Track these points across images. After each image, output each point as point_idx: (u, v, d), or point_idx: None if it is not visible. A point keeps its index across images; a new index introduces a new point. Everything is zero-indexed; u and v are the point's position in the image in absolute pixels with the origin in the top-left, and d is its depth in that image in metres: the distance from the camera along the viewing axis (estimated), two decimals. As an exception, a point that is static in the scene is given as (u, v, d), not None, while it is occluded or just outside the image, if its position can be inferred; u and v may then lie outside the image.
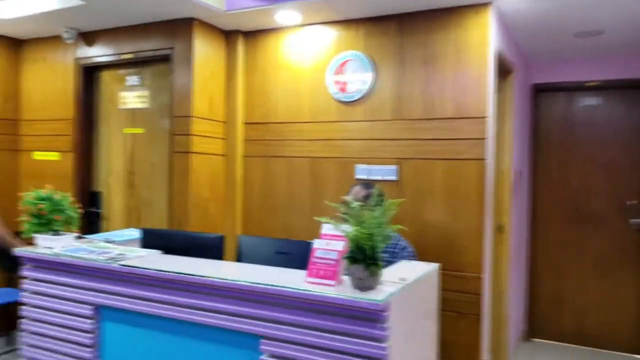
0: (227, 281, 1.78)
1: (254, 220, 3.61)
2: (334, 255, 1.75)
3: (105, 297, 2.05)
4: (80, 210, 2.32)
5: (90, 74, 3.77)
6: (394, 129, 3.20)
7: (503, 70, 3.55)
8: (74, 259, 2.07)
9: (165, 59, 3.43)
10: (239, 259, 2.18)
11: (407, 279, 1.85)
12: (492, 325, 3.36)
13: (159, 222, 3.56)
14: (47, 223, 2.20)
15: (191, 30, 3.30)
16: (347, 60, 3.31)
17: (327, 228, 1.82)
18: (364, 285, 1.65)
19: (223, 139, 3.60)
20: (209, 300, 1.84)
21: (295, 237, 3.45)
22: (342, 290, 1.67)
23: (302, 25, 3.43)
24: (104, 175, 3.80)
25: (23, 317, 2.22)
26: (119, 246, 2.31)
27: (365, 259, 1.64)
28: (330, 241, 1.78)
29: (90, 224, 3.77)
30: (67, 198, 2.25)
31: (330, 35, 3.38)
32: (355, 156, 3.31)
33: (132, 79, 3.64)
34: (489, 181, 3.04)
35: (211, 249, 2.25)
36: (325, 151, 3.40)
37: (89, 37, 3.68)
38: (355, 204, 1.70)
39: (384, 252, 2.74)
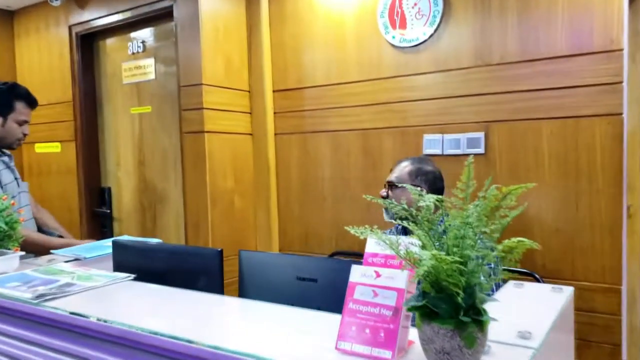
0: (185, 344, 0.98)
1: (293, 216, 2.81)
2: (390, 300, 0.89)
3: (42, 354, 1.33)
4: (21, 220, 1.62)
5: (88, 44, 3.11)
6: (477, 80, 2.25)
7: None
8: (-8, 296, 1.37)
9: (167, 15, 2.68)
10: (241, 287, 1.38)
11: (532, 334, 0.95)
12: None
13: (175, 222, 2.86)
14: (-26, 239, 1.52)
15: (195, -28, 2.52)
16: (404, -10, 2.39)
17: (373, 242, 0.97)
18: (453, 366, 0.78)
19: (247, 112, 2.81)
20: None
21: (349, 236, 2.61)
22: (407, 375, 0.81)
23: (340, -52, 2.54)
24: (112, 168, 3.15)
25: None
26: (78, 268, 1.59)
27: (454, 312, 0.77)
28: (381, 270, 0.92)
29: (102, 227, 3.16)
30: (-1, 202, 1.55)
31: (380, -43, 2.46)
32: (423, 123, 2.40)
33: (134, 45, 2.93)
34: (625, 147, 2.02)
35: (205, 269, 1.47)
36: (380, 120, 2.51)
37: (80, -1, 3.02)
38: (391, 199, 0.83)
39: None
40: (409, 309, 0.81)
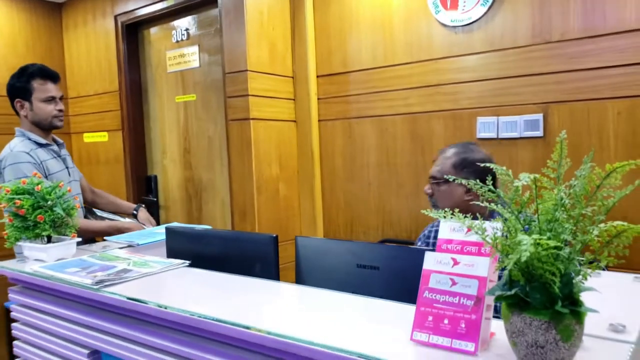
0: (252, 332, 0.95)
1: (338, 204, 2.77)
2: (471, 289, 0.83)
3: (101, 339, 1.34)
4: (77, 206, 1.63)
5: (133, 33, 3.14)
6: (535, 59, 2.12)
7: None
8: (54, 282, 1.39)
9: (211, 1, 2.66)
10: (298, 273, 1.34)
11: (626, 327, 0.87)
12: None
13: (221, 210, 2.87)
14: (33, 226, 1.54)
15: (239, -44, 2.48)
16: (456, -35, 2.28)
17: (447, 228, 0.90)
18: (547, 362, 0.72)
19: (291, 99, 2.77)
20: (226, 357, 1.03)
21: (396, 224, 2.56)
22: (494, 370, 0.75)
23: None
24: (158, 157, 3.19)
25: (16, 358, 1.62)
26: (133, 255, 1.60)
27: (548, 302, 0.70)
28: (459, 257, 0.86)
29: (150, 215, 3.20)
30: (56, 189, 1.57)
31: None
32: (476, 105, 2.29)
33: (178, 33, 2.93)
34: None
35: (260, 256, 1.44)
36: (430, 103, 2.42)
37: (126, -13, 3.03)
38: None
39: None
40: (497, 299, 0.75)
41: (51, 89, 2.15)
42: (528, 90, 2.16)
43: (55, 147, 2.19)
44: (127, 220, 2.31)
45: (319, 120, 2.78)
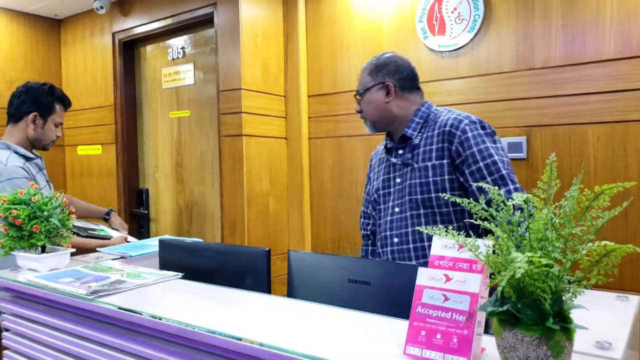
0: (245, 345, 0.97)
1: (327, 220, 2.81)
2: (463, 304, 0.87)
3: (93, 350, 1.35)
4: (73, 217, 1.64)
5: (130, 50, 3.18)
6: (519, 85, 2.22)
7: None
8: (48, 292, 1.39)
9: (208, 22, 2.72)
10: (290, 287, 1.37)
11: (612, 345, 0.92)
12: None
13: (211, 223, 2.88)
14: (28, 236, 1.55)
15: (235, -21, 2.55)
16: (445, -7, 2.38)
17: (439, 245, 0.95)
18: (535, 375, 0.76)
19: (283, 117, 2.82)
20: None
21: (382, 241, 2.60)
22: (484, 381, 0.79)
23: (380, -47, 2.54)
24: (150, 170, 3.20)
25: (5, 369, 1.61)
26: (126, 266, 1.61)
27: (539, 319, 0.75)
28: (452, 273, 0.91)
29: (140, 227, 3.20)
30: (53, 200, 1.58)
31: (420, -39, 2.45)
32: (462, 128, 2.36)
33: (174, 51, 2.97)
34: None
35: (252, 269, 1.47)
36: (418, 124, 2.48)
37: (124, 6, 3.08)
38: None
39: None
40: (489, 314, 0.79)
41: (63, 115, 2.22)
42: (511, 114, 2.24)
43: (39, 161, 2.19)
44: (114, 235, 2.29)
45: (309, 138, 2.84)
